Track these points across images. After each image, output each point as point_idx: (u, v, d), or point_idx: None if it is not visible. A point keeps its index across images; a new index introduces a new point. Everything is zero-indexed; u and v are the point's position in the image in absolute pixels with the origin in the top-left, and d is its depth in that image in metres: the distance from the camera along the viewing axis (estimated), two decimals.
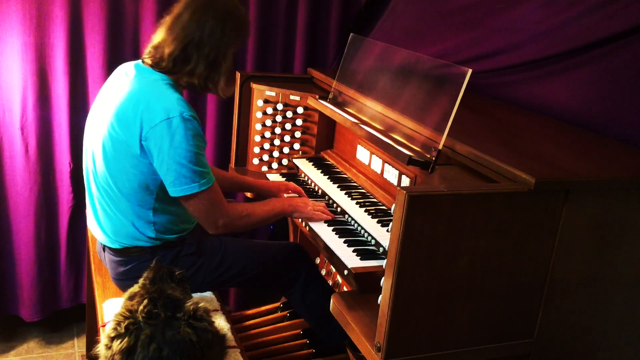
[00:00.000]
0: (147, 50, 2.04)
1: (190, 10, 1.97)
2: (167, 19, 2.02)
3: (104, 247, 2.14)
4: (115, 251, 2.10)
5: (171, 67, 1.98)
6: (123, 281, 2.10)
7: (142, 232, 2.04)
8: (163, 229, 2.06)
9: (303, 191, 2.45)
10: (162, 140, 1.87)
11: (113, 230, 2.06)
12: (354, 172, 2.56)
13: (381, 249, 1.98)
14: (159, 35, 2.02)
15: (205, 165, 1.96)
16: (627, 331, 1.85)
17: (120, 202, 2.01)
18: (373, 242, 2.03)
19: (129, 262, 2.08)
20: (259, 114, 2.82)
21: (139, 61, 2.06)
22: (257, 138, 2.85)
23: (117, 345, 1.55)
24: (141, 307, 1.60)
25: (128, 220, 2.02)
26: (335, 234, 2.11)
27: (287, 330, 2.75)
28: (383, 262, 1.55)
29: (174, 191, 1.94)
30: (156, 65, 2.00)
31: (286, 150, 2.84)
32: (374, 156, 2.43)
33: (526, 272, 1.63)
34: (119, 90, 1.98)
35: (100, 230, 2.11)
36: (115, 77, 2.09)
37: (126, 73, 2.04)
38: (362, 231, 2.11)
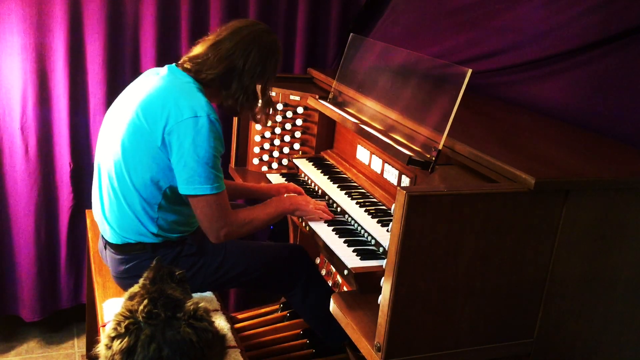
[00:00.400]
0: (183, 59, 2.10)
1: (237, 38, 2.05)
2: (211, 37, 2.09)
3: (106, 245, 2.15)
4: (116, 248, 2.10)
5: (208, 80, 2.04)
6: (123, 279, 2.11)
7: (144, 226, 2.04)
8: (166, 226, 2.06)
9: (303, 191, 2.45)
10: (185, 136, 1.90)
11: (117, 223, 2.07)
12: (354, 172, 2.56)
13: (381, 249, 1.98)
14: (199, 49, 2.08)
15: (221, 171, 1.99)
16: (627, 331, 1.85)
17: (129, 192, 2.02)
18: (373, 242, 2.03)
19: (130, 261, 2.09)
20: None
21: (173, 64, 2.10)
22: (257, 138, 2.85)
23: (117, 345, 1.55)
24: (141, 307, 1.60)
25: (133, 212, 2.03)
26: (335, 234, 2.11)
27: (287, 330, 2.75)
28: (383, 262, 1.55)
29: (185, 189, 1.95)
30: (194, 73, 2.05)
31: (286, 150, 2.85)
32: (374, 156, 2.43)
33: (526, 272, 1.63)
34: (148, 85, 2.03)
35: (105, 222, 2.11)
36: (144, 76, 2.14)
37: (157, 72, 2.09)
38: (362, 231, 2.11)
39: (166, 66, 2.10)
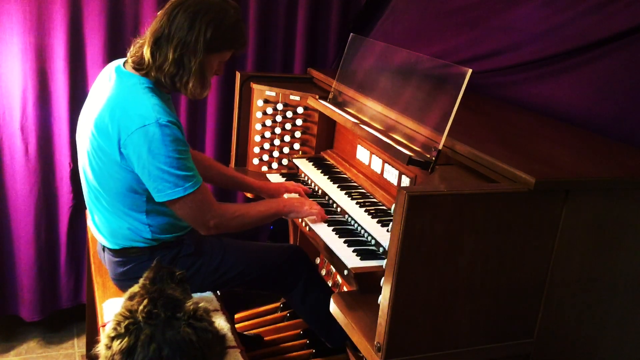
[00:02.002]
0: (130, 50, 2.00)
1: (167, 6, 1.94)
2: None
3: (104, 248, 2.14)
4: (114, 252, 2.10)
5: (147, 63, 1.92)
6: (123, 281, 2.10)
7: (137, 234, 2.04)
8: (159, 230, 2.05)
9: (303, 188, 2.44)
10: (140, 147, 1.84)
11: (109, 232, 2.07)
12: (354, 172, 2.56)
13: (381, 249, 1.98)
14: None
15: (190, 169, 1.91)
16: (627, 331, 1.86)
17: (112, 205, 2.01)
18: (373, 242, 2.03)
19: (128, 263, 2.08)
20: (259, 114, 2.82)
21: (121, 63, 2.01)
22: (257, 138, 2.85)
23: (117, 345, 1.55)
24: (141, 307, 1.59)
25: (122, 222, 2.02)
26: (335, 234, 2.11)
27: (287, 330, 2.75)
28: (383, 262, 1.55)
29: (158, 197, 1.91)
30: (137, 64, 1.95)
31: (286, 150, 2.84)
32: (374, 156, 2.43)
33: (526, 272, 1.63)
34: (100, 96, 1.96)
35: (97, 231, 2.11)
36: (100, 80, 2.06)
37: (109, 77, 2.00)
38: (362, 231, 2.11)
39: (114, 68, 2.00)
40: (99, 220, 2.07)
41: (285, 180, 2.62)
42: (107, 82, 1.99)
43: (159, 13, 1.95)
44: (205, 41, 1.90)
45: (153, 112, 1.85)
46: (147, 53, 1.91)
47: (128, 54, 2.01)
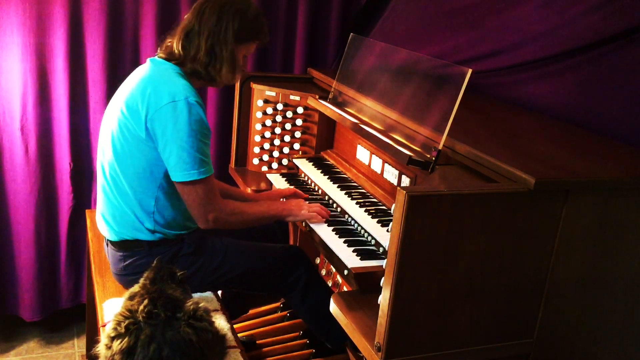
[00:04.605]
0: (160, 47, 2.13)
1: (195, 6, 2.09)
2: None
3: (107, 242, 2.17)
4: (115, 245, 2.12)
5: (178, 55, 2.06)
6: (122, 277, 2.14)
7: (141, 222, 2.06)
8: (162, 222, 2.07)
9: (299, 192, 2.44)
10: (166, 122, 1.92)
11: (114, 220, 2.09)
12: (354, 172, 2.56)
13: (381, 249, 1.98)
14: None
15: (207, 155, 1.99)
16: (627, 331, 1.85)
17: (124, 188, 2.04)
18: (373, 242, 2.03)
19: (128, 258, 2.10)
20: (259, 114, 2.82)
21: (155, 57, 2.12)
22: (257, 138, 2.85)
23: (117, 345, 1.55)
24: (141, 307, 1.60)
25: (129, 207, 2.05)
26: (335, 234, 2.11)
27: (287, 330, 2.75)
28: (383, 262, 1.55)
29: (174, 176, 1.97)
30: (169, 55, 2.07)
31: (286, 150, 2.85)
32: (374, 156, 2.43)
33: (526, 272, 1.63)
34: (133, 81, 2.06)
35: (103, 221, 2.14)
36: (135, 72, 2.14)
37: (144, 67, 2.11)
38: (362, 231, 2.11)
39: (149, 60, 2.11)
40: (107, 207, 2.10)
41: (285, 180, 2.62)
42: (141, 70, 2.10)
43: (186, 15, 2.11)
44: (234, 30, 2.06)
45: (183, 90, 1.96)
46: (177, 47, 2.05)
47: (158, 50, 2.13)
